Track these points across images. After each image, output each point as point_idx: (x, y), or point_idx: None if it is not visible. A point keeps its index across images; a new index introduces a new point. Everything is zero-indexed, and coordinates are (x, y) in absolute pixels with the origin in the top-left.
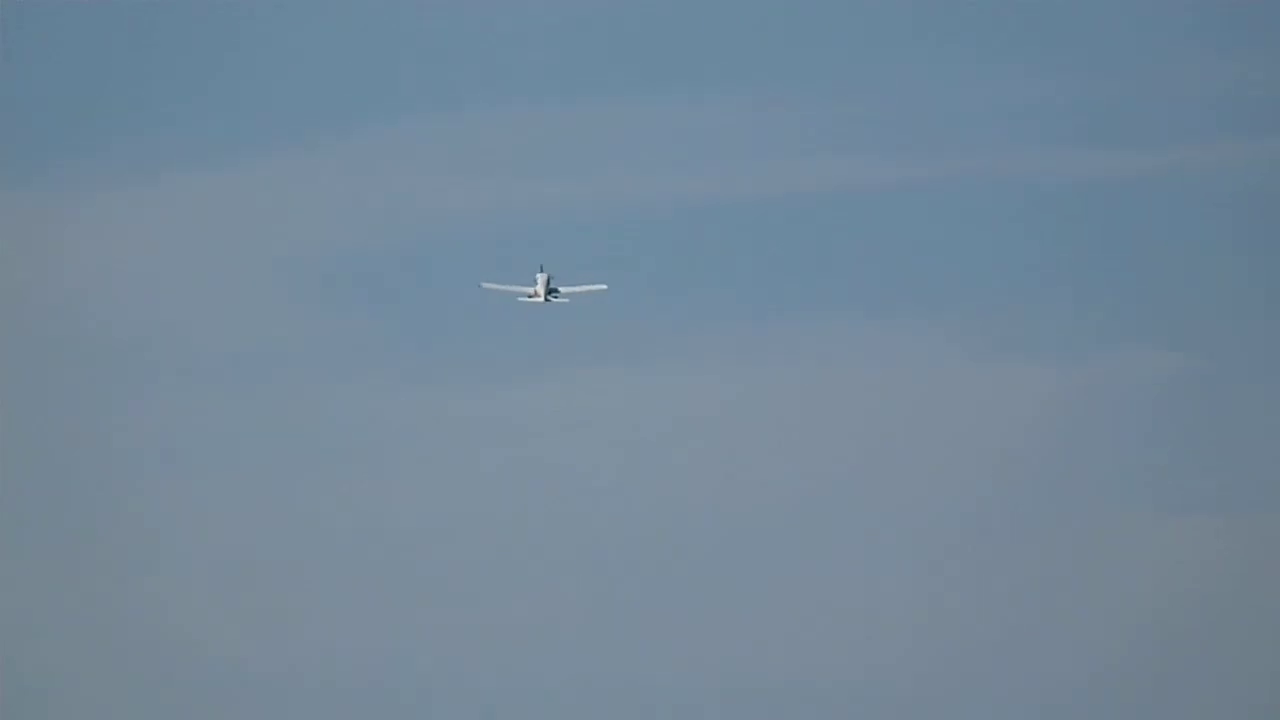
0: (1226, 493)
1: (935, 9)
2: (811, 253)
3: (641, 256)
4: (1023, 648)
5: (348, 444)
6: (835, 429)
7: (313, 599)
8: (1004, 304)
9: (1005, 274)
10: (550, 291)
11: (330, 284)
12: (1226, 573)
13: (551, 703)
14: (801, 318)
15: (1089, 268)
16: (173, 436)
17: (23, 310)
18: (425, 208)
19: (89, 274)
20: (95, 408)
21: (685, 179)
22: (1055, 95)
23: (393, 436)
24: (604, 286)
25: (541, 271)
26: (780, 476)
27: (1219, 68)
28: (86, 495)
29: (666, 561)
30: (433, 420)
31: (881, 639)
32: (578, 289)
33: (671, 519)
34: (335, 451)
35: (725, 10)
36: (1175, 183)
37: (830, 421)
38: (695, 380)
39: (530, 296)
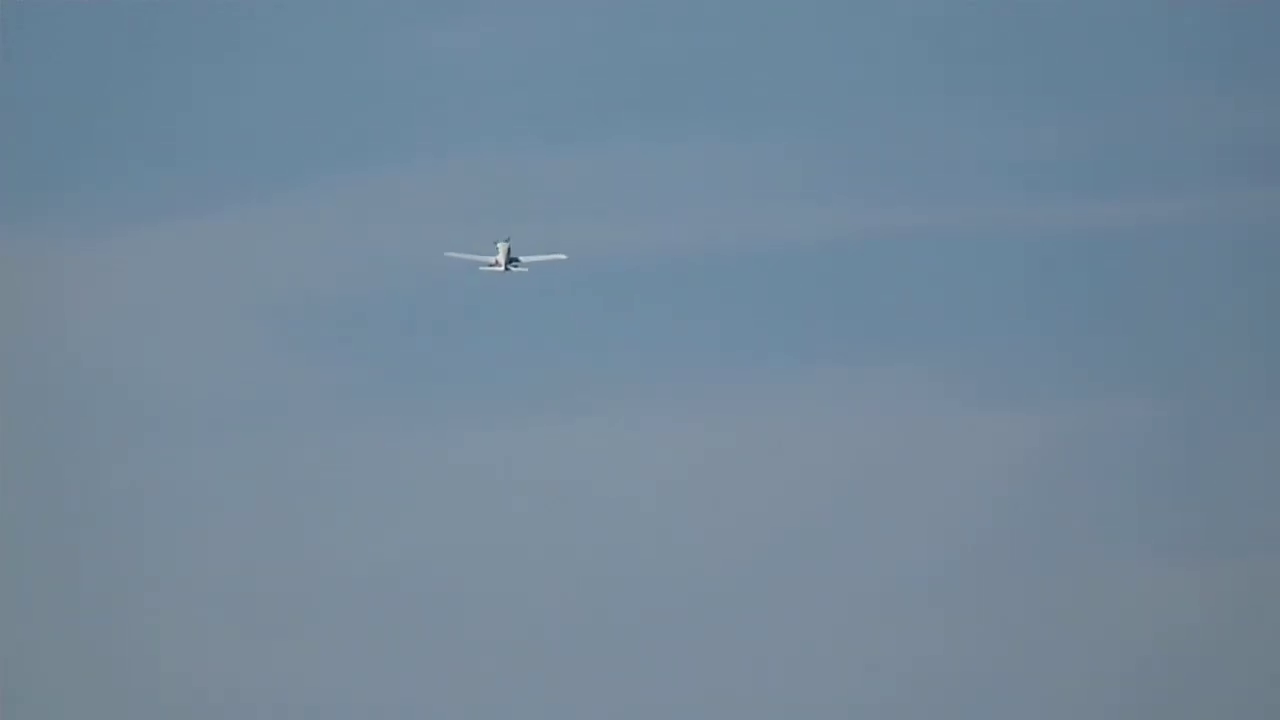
0: (1215, 539)
1: (921, 55)
2: (797, 300)
3: (628, 304)
4: (1012, 696)
5: (341, 490)
6: (822, 476)
7: (311, 647)
8: (993, 352)
9: (994, 322)
10: (510, 260)
11: (319, 329)
12: (1216, 619)
13: None
14: (788, 365)
15: (1078, 316)
16: (167, 488)
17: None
18: (412, 253)
19: (74, 326)
20: (84, 460)
21: (666, 226)
22: (1047, 144)
23: (379, 481)
24: (563, 256)
25: (503, 241)
26: (765, 524)
27: (1212, 118)
28: (77, 549)
29: (651, 614)
30: (424, 466)
31: (870, 688)
32: (537, 258)
33: (655, 568)
34: (331, 498)
35: (706, 55)
36: (1164, 232)
37: (817, 469)
38: (678, 430)
39: (491, 266)
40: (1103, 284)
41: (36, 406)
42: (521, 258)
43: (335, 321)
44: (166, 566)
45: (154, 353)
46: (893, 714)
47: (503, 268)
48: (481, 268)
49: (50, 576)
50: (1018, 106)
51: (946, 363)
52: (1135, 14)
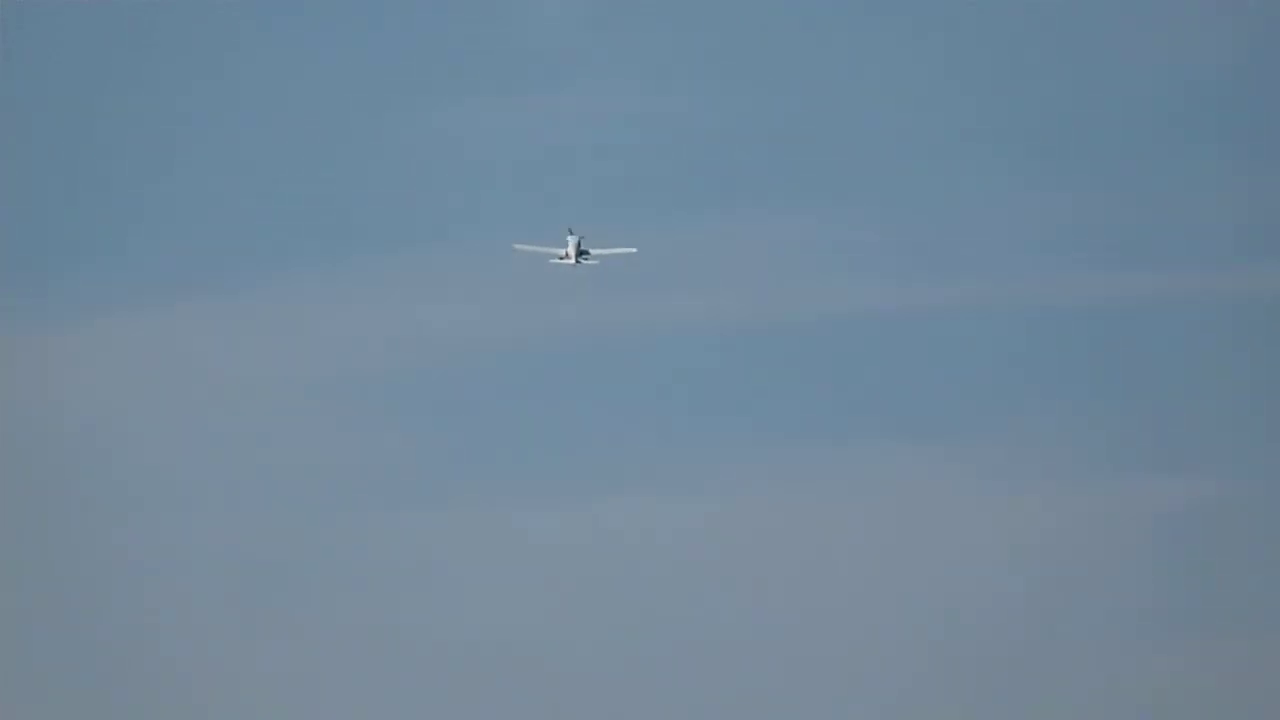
0: (1231, 619)
1: (938, 129)
2: (813, 378)
3: (645, 382)
4: None
5: (380, 567)
6: (836, 554)
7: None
8: (1008, 429)
9: (1009, 398)
10: (581, 253)
11: (357, 406)
12: (1233, 698)
13: None
14: (806, 443)
15: (1093, 392)
16: (201, 567)
17: (23, 444)
18: (453, 334)
19: (101, 403)
20: (111, 538)
21: (679, 304)
22: (1063, 218)
23: (413, 558)
24: (633, 249)
25: (571, 234)
26: (778, 601)
27: (1223, 194)
28: (97, 632)
29: (665, 685)
30: (462, 542)
31: None
32: (607, 251)
33: (675, 642)
34: (369, 574)
35: (723, 135)
36: (1179, 307)
37: (831, 546)
38: (697, 507)
39: (562, 258)
40: (1121, 359)
41: (78, 484)
42: (591, 250)
43: (371, 399)
44: (195, 653)
45: (189, 429)
46: None
47: (573, 260)
48: (552, 260)
49: (64, 666)
50: (1038, 180)
51: (965, 439)
52: (1151, 92)
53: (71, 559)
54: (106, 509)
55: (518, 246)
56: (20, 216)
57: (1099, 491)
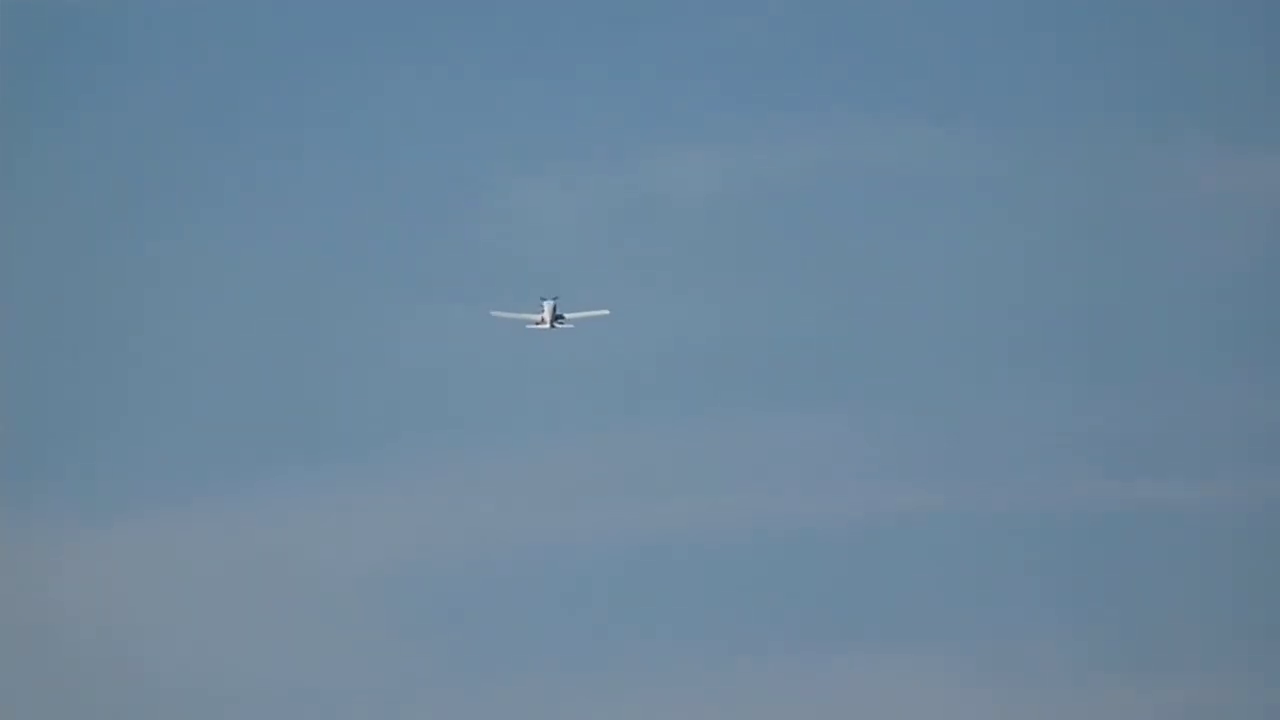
0: None
1: (940, 332)
2: (814, 582)
3: (651, 585)
4: None
5: None
6: None
7: None
8: (1012, 634)
9: (1014, 604)
10: (556, 318)
11: (368, 610)
12: None
13: None
14: (810, 649)
15: (1098, 598)
16: None
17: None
18: (475, 533)
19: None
20: None
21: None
22: (1076, 424)
23: None
24: (606, 311)
25: (545, 300)
26: None
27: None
28: None
29: None
30: None
31: None
32: (582, 314)
33: None
34: None
35: (721, 338)
36: (1187, 515)
37: None
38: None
39: (538, 324)
40: (1127, 566)
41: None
42: (566, 314)
43: (383, 602)
44: None
45: (198, 635)
46: None
47: (548, 324)
48: (528, 325)
49: None
50: (1053, 386)
51: (968, 645)
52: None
53: None
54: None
55: (495, 313)
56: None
57: (1102, 694)
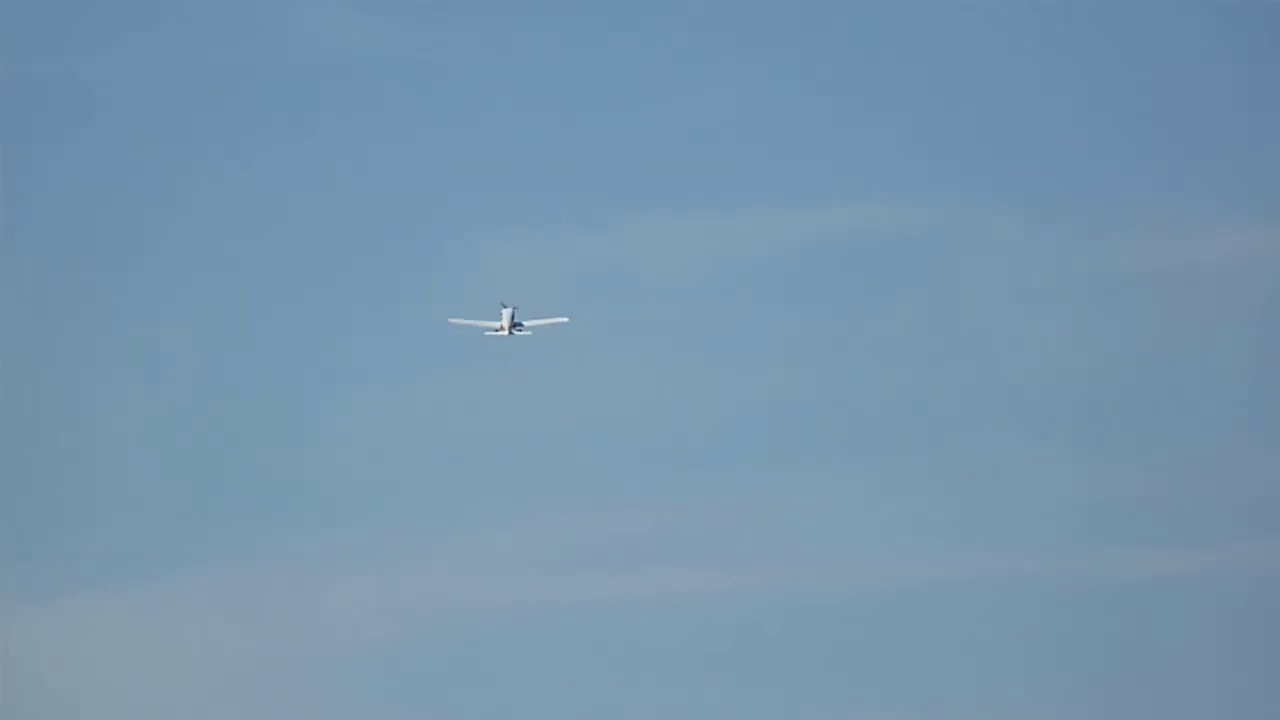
0: None
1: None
2: (823, 653)
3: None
4: None
5: None
6: None
7: None
8: (1030, 701)
9: (1034, 670)
10: (514, 325)
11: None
12: None
13: None
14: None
15: (1110, 668)
16: None
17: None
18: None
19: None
20: None
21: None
22: (1112, 492)
23: None
24: (565, 319)
25: (505, 307)
26: None
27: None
28: None
29: None
30: None
31: None
32: (540, 322)
33: None
34: None
35: (736, 403)
36: (1204, 582)
37: None
38: None
39: (496, 331)
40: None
41: None
42: (525, 322)
43: (365, 674)
44: None
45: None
46: None
47: (507, 332)
48: (486, 333)
49: None
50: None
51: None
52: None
53: None
54: None
55: (453, 321)
56: None
57: None
